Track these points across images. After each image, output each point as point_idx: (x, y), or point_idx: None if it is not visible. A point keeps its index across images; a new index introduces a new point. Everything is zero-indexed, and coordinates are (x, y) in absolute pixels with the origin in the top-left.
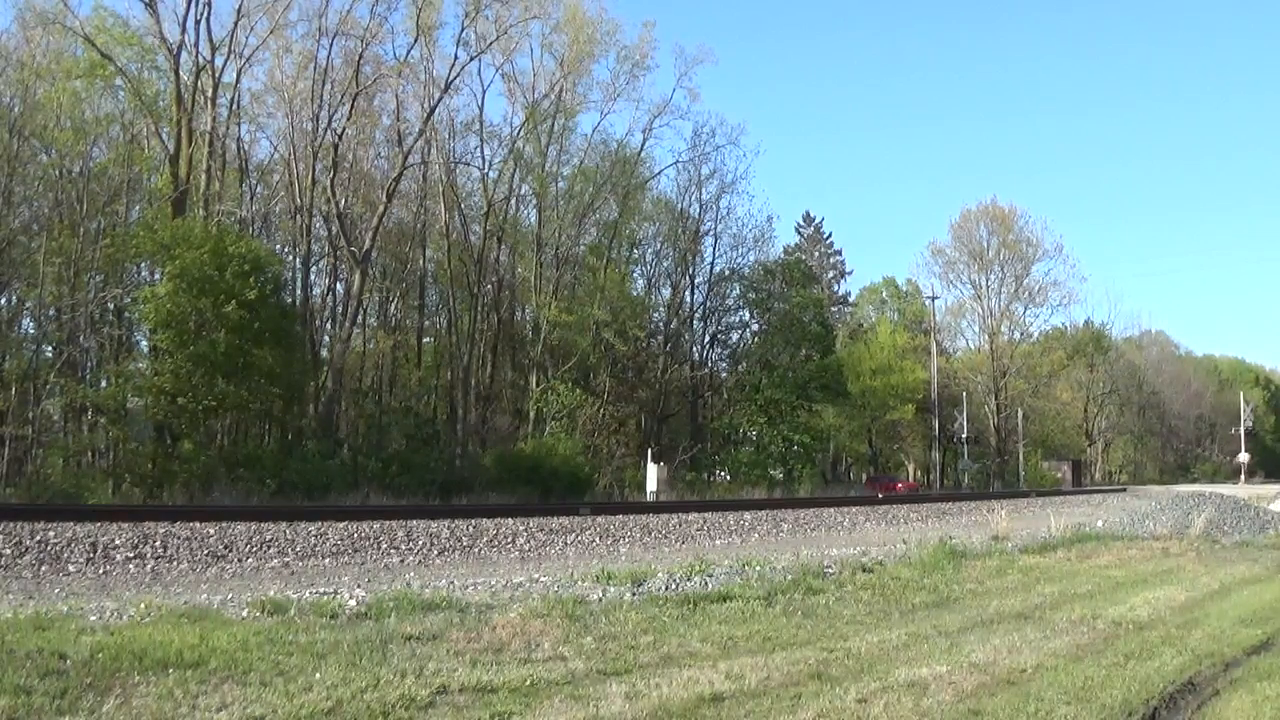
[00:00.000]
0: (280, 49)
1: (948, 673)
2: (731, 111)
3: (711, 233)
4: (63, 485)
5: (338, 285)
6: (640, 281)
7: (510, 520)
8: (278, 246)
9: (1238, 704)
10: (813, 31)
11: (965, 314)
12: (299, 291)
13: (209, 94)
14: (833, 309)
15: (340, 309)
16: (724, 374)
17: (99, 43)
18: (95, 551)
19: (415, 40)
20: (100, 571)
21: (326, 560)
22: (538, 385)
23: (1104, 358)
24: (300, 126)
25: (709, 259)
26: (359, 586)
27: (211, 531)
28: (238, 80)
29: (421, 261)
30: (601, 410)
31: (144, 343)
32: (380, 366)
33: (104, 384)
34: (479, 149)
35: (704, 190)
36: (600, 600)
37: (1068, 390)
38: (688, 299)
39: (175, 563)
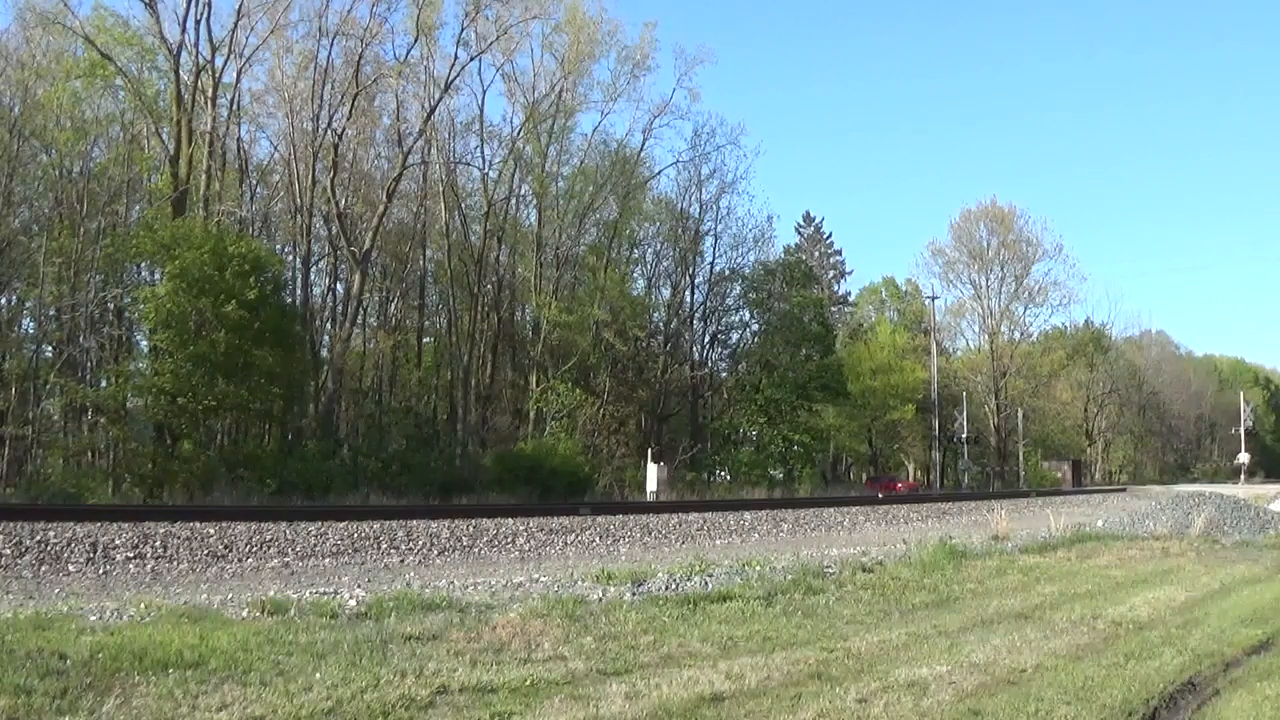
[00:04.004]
0: (280, 49)
1: (948, 673)
2: (731, 111)
3: (711, 233)
4: (63, 485)
5: (338, 285)
6: (640, 281)
7: (510, 520)
8: (278, 246)
9: (1238, 704)
10: (813, 32)
11: (965, 314)
12: (299, 291)
13: (209, 94)
14: (833, 309)
15: (340, 309)
16: (724, 374)
17: (99, 43)
18: (95, 551)
19: (415, 40)
20: (100, 571)
21: (326, 560)
22: (538, 385)
23: (1104, 357)
24: (300, 126)
25: (709, 259)
26: (359, 586)
27: (211, 531)
28: (238, 80)
29: (421, 261)
30: (601, 410)
31: (144, 343)
32: (380, 366)
33: (104, 384)
34: (479, 149)
35: (704, 190)
36: (600, 600)
37: (1068, 390)
38: (688, 299)
39: (175, 563)
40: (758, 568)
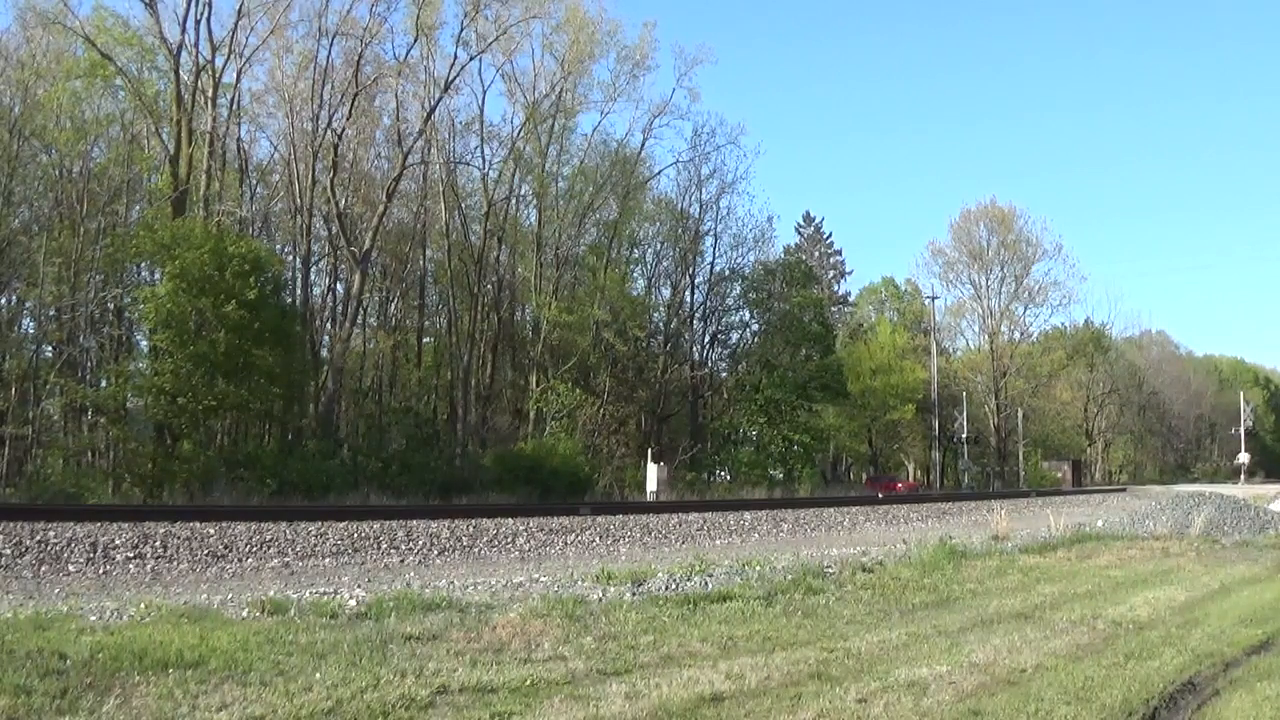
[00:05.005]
0: (280, 49)
1: (948, 673)
2: (731, 111)
3: (711, 233)
4: (63, 485)
5: (338, 285)
6: (640, 281)
7: (510, 520)
8: (278, 246)
9: (1238, 704)
10: (813, 32)
11: (965, 314)
12: (299, 291)
13: (209, 94)
14: (833, 309)
15: (340, 309)
16: (724, 374)
17: (99, 43)
18: (95, 551)
19: (415, 40)
20: (100, 571)
21: (326, 560)
22: (538, 385)
23: (1104, 357)
24: (300, 126)
25: (709, 259)
26: (359, 586)
27: (211, 531)
28: (238, 80)
29: (421, 261)
30: (601, 410)
31: (144, 343)
32: (380, 366)
33: (104, 384)
34: (479, 149)
35: (704, 190)
36: (600, 600)
37: (1068, 390)
38: (688, 299)
39: (175, 563)
40: (758, 568)
